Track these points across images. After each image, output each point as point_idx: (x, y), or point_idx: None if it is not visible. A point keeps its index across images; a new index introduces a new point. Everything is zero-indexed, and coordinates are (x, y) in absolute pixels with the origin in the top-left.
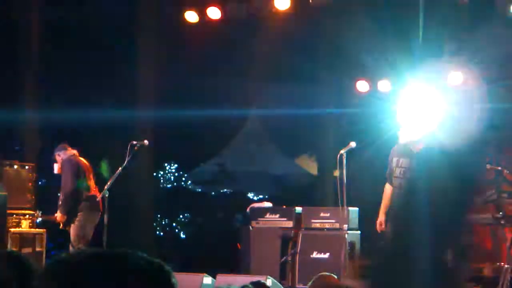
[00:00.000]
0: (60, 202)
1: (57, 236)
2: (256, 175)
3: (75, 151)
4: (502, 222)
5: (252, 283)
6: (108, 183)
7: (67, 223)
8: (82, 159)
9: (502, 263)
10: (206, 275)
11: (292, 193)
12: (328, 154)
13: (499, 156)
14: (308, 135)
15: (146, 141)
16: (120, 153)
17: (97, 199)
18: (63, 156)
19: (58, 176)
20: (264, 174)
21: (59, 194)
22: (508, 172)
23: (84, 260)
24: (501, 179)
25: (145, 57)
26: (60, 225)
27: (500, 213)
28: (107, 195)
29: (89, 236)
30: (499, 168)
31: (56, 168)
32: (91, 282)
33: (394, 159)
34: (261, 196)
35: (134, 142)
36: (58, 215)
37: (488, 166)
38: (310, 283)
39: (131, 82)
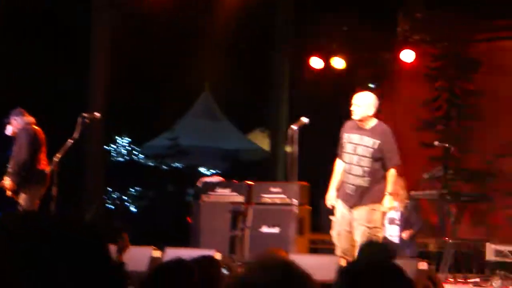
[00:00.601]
0: (11, 170)
1: (5, 206)
2: (209, 149)
3: (32, 119)
4: (448, 198)
5: (203, 257)
6: (58, 155)
7: (15, 192)
8: (38, 128)
9: (447, 238)
10: (155, 248)
11: (244, 168)
12: (281, 129)
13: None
14: (261, 110)
15: (97, 114)
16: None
17: (46, 172)
18: (20, 122)
19: (7, 147)
20: (217, 149)
21: (7, 165)
22: (455, 149)
23: (17, 222)
24: (449, 156)
25: (100, 30)
26: (7, 192)
27: (446, 189)
28: (56, 168)
29: (36, 208)
30: (447, 145)
31: (9, 130)
32: (20, 241)
33: (345, 135)
34: (212, 171)
35: (85, 115)
36: (8, 182)
37: (436, 143)
38: (253, 257)
39: (85, 54)
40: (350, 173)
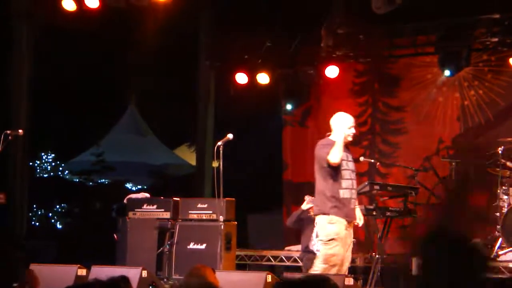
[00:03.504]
0: None
1: None
2: (135, 165)
3: None
4: (374, 213)
5: (115, 278)
6: None
7: None
8: None
9: (374, 253)
10: (81, 266)
11: (171, 184)
12: (207, 144)
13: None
14: (188, 126)
15: (20, 131)
16: None
17: None
18: None
19: None
20: (143, 164)
21: None
22: (380, 164)
23: None
24: (374, 171)
25: (21, 45)
26: None
27: (373, 204)
28: None
29: None
30: (372, 160)
31: None
32: None
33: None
34: (139, 187)
35: (8, 132)
36: None
37: (361, 158)
38: (186, 274)
39: (8, 70)
40: (353, 189)
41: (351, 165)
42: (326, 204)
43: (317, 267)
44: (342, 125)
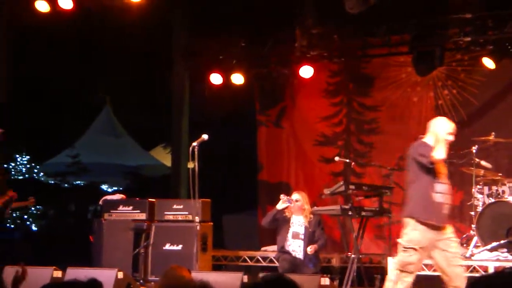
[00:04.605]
0: None
1: None
2: (111, 166)
3: None
4: (350, 213)
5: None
6: None
7: None
8: None
9: (350, 253)
10: (56, 268)
11: (146, 185)
12: (182, 145)
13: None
14: (163, 126)
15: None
16: None
17: None
18: None
19: None
20: (119, 166)
21: None
22: (356, 164)
23: None
24: (349, 171)
25: None
26: None
27: (348, 204)
28: None
29: None
30: (348, 160)
31: None
32: None
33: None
34: (115, 188)
35: None
36: None
37: (337, 158)
38: (162, 276)
39: None
40: (447, 194)
41: (446, 169)
42: (415, 207)
43: (391, 273)
44: (443, 129)
